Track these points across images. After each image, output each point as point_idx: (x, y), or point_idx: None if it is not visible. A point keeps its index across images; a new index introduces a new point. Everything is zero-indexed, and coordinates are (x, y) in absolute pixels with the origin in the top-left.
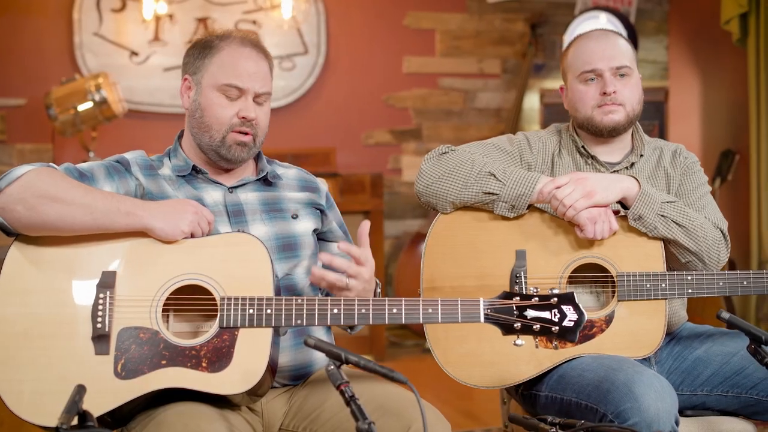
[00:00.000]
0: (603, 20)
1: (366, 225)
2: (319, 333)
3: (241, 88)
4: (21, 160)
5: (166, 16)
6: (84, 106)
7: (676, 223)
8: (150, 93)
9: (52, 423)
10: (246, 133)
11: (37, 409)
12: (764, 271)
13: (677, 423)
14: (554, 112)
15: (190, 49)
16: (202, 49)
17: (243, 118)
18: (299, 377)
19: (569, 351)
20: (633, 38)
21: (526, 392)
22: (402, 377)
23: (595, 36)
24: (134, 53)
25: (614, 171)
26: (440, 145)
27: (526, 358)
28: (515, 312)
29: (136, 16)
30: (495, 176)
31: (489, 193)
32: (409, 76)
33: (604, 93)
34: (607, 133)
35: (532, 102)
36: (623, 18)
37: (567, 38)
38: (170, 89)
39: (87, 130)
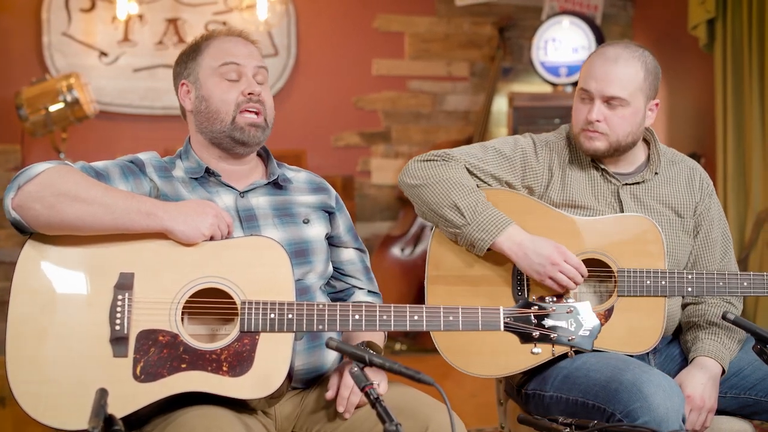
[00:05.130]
0: (566, 24)
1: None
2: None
3: (238, 64)
4: None
5: (135, 16)
6: (55, 107)
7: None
8: (119, 94)
9: (70, 426)
10: (256, 113)
11: (55, 411)
12: (764, 273)
13: (684, 421)
14: (523, 116)
15: (178, 60)
16: (190, 53)
17: (249, 94)
18: (312, 380)
19: None
20: (601, 43)
21: (530, 392)
22: (429, 379)
23: (605, 56)
24: (103, 53)
25: (626, 183)
26: (409, 146)
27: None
28: (533, 321)
29: (105, 16)
30: (459, 210)
31: (451, 224)
32: (378, 78)
33: (588, 119)
34: (589, 156)
35: (500, 105)
36: (589, 21)
37: (535, 43)
38: (139, 90)
39: (57, 131)
